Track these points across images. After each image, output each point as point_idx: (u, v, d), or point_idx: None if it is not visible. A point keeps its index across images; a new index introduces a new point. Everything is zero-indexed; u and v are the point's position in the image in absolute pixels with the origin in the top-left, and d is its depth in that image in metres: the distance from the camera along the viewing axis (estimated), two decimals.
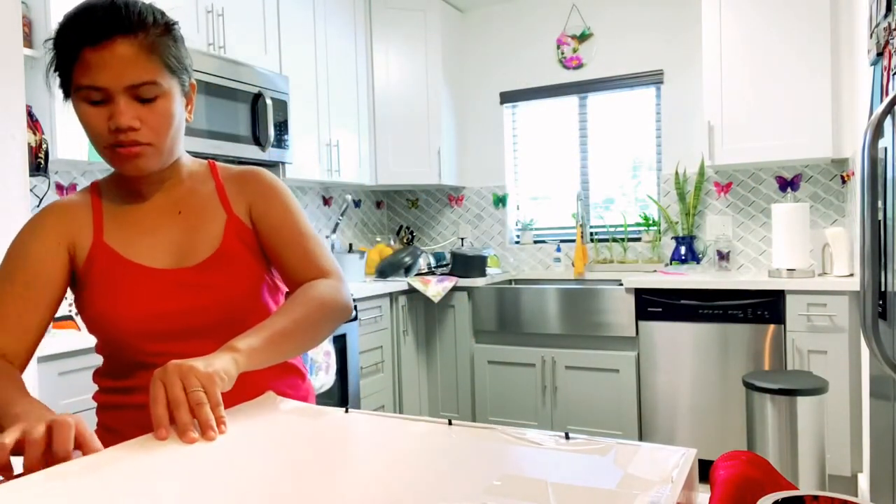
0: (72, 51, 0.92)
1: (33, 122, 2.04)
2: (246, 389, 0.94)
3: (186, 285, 1.02)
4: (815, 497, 0.51)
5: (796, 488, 0.57)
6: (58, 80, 0.98)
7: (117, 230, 1.05)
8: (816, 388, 2.29)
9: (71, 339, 1.83)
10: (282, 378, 1.12)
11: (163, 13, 0.98)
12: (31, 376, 1.63)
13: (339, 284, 1.07)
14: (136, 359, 1.02)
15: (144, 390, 0.96)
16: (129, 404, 1.04)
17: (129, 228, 1.05)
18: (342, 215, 3.60)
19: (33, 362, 1.64)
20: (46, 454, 0.71)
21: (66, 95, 1.00)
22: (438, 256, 3.71)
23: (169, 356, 0.94)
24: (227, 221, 1.07)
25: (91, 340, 1.88)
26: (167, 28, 0.97)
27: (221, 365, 0.82)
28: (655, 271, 3.51)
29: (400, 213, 4.36)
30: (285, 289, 1.16)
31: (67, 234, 1.04)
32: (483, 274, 3.53)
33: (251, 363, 0.88)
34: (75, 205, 1.07)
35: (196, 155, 2.53)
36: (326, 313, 1.01)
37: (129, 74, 0.92)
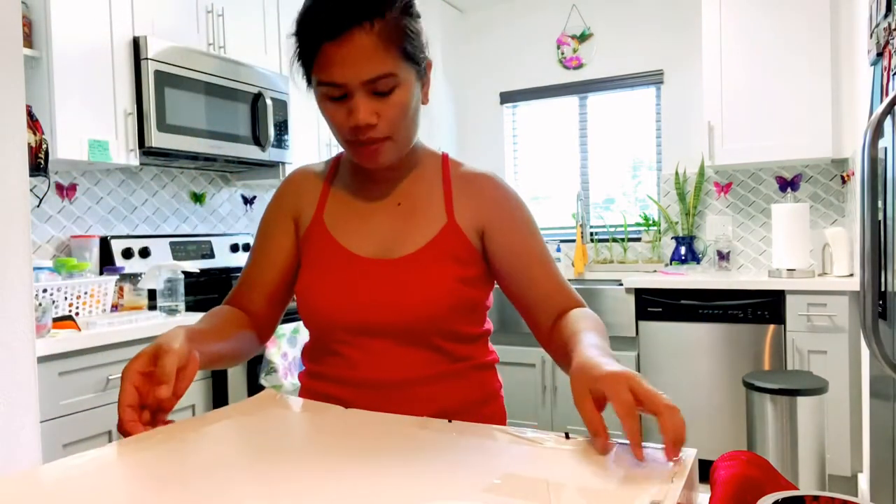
0: (312, 45, 0.90)
1: (33, 122, 2.04)
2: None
3: (380, 278, 0.99)
4: (816, 497, 0.51)
5: (796, 488, 0.57)
6: (301, 71, 0.95)
7: (336, 210, 1.05)
8: (816, 388, 2.29)
9: (71, 339, 1.83)
10: (487, 403, 1.07)
11: None
12: (31, 376, 1.63)
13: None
14: (328, 344, 1.02)
15: (331, 379, 1.02)
16: (318, 391, 1.03)
17: (346, 210, 1.04)
18: None
19: (33, 362, 1.64)
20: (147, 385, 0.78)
21: (308, 84, 0.97)
22: None
23: (353, 347, 0.99)
24: (444, 227, 1.01)
25: (91, 341, 1.88)
26: (405, 8, 0.93)
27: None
28: (655, 271, 3.51)
29: None
30: (489, 326, 1.10)
31: (296, 206, 1.07)
32: None
33: None
34: (312, 176, 1.09)
35: (196, 155, 2.57)
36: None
37: (366, 69, 0.88)
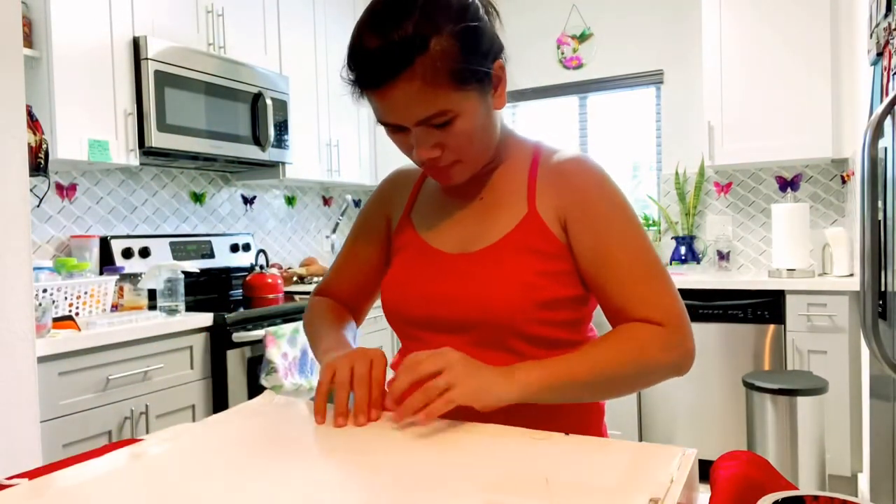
0: (361, 89, 0.87)
1: (33, 122, 2.04)
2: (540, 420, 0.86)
3: (456, 272, 0.95)
4: (816, 497, 0.51)
5: (796, 488, 0.57)
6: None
7: (425, 207, 1.05)
8: (816, 388, 2.29)
9: (71, 339, 1.83)
10: (581, 418, 0.96)
11: (448, 10, 0.84)
12: (31, 376, 1.63)
13: (672, 337, 0.86)
14: (403, 341, 1.03)
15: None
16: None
17: (434, 207, 1.04)
18: (342, 215, 3.60)
19: (33, 362, 1.64)
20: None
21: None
22: None
23: (424, 344, 0.96)
24: (524, 217, 0.94)
25: (91, 341, 1.88)
26: (458, 20, 0.84)
27: (492, 385, 0.80)
28: None
29: None
30: (593, 334, 1.01)
31: (390, 202, 1.10)
32: None
33: (525, 398, 0.81)
34: (408, 175, 1.10)
35: (196, 156, 2.57)
36: (642, 373, 0.86)
37: (416, 112, 0.84)
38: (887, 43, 1.76)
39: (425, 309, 0.96)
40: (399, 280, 1.01)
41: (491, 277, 0.92)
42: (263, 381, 2.28)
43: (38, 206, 2.37)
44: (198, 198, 3.01)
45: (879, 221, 1.71)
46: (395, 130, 0.89)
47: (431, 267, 0.98)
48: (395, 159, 3.71)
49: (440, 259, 0.98)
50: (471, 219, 1.00)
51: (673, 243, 3.61)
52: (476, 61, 0.86)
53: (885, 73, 1.76)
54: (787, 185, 3.35)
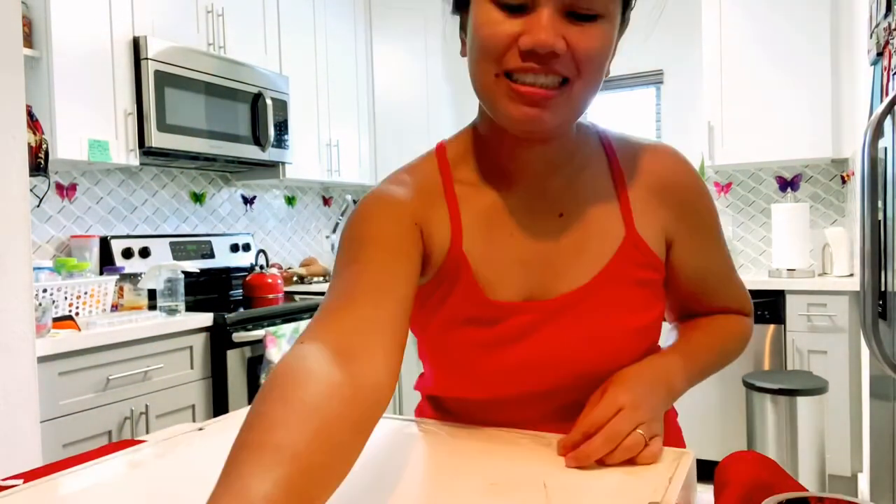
0: None
1: (33, 122, 2.04)
2: None
3: (535, 330, 0.71)
4: (821, 499, 0.51)
5: (805, 489, 0.57)
6: None
7: (477, 231, 0.73)
8: (816, 388, 2.29)
9: (71, 339, 1.83)
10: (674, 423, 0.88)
11: None
12: (31, 376, 1.63)
13: (751, 324, 0.86)
14: (453, 399, 0.80)
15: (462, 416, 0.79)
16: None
17: (490, 232, 0.73)
18: (342, 215, 3.60)
19: (33, 362, 1.64)
20: None
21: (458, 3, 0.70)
22: None
23: (490, 411, 0.76)
24: (624, 241, 0.72)
25: (91, 341, 1.88)
26: None
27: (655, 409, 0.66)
28: None
29: None
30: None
31: (418, 214, 0.72)
32: None
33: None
34: (424, 195, 0.73)
35: (196, 156, 2.57)
36: (731, 356, 0.85)
37: None
38: (887, 43, 1.76)
39: (491, 391, 0.74)
40: (449, 360, 0.75)
41: (594, 332, 0.71)
42: (263, 381, 2.28)
43: (38, 206, 2.37)
44: (198, 198, 3.01)
45: (879, 221, 1.71)
46: (506, 6, 0.63)
47: (495, 330, 0.71)
48: (396, 159, 3.71)
49: (506, 314, 0.71)
50: (548, 246, 0.72)
51: None
52: None
53: (885, 73, 1.76)
54: (787, 185, 3.35)
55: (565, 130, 0.72)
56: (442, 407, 0.82)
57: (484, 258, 0.72)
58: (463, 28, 0.71)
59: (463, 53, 0.71)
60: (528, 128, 0.66)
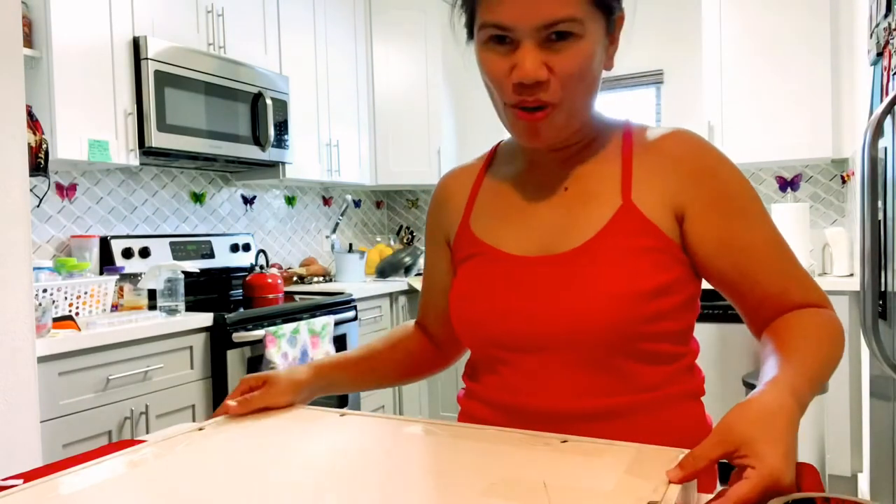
0: None
1: (33, 122, 2.04)
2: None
3: (538, 279, 0.80)
4: (827, 499, 0.50)
5: (823, 489, 0.56)
6: (463, 18, 0.82)
7: (488, 207, 0.90)
8: None
9: (71, 339, 1.83)
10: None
11: None
12: (31, 376, 1.63)
13: (835, 316, 0.79)
14: (484, 361, 0.87)
15: (486, 402, 0.86)
16: (474, 415, 0.88)
17: (501, 204, 0.88)
18: (342, 215, 3.60)
19: (33, 362, 1.64)
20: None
21: (470, 36, 0.82)
22: None
23: (509, 366, 0.82)
24: (618, 210, 0.79)
25: (91, 341, 1.88)
26: None
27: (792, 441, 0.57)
28: None
29: (400, 213, 4.36)
30: (695, 346, 0.89)
31: (442, 218, 0.97)
32: None
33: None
34: (459, 178, 0.96)
35: (196, 156, 2.57)
36: (838, 358, 0.74)
37: (543, 9, 0.71)
38: (887, 43, 1.76)
39: (502, 326, 0.82)
40: (466, 293, 0.86)
41: (586, 285, 0.77)
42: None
43: (38, 206, 2.37)
44: (198, 198, 3.01)
45: (879, 221, 1.71)
46: (498, 42, 0.76)
47: (505, 275, 0.83)
48: (395, 159, 3.71)
49: (516, 264, 0.83)
50: (553, 214, 0.83)
51: None
52: None
53: (885, 73, 1.76)
54: (787, 185, 3.35)
55: (571, 135, 0.83)
56: (473, 394, 0.90)
57: (493, 226, 0.87)
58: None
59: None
60: (532, 146, 0.83)
